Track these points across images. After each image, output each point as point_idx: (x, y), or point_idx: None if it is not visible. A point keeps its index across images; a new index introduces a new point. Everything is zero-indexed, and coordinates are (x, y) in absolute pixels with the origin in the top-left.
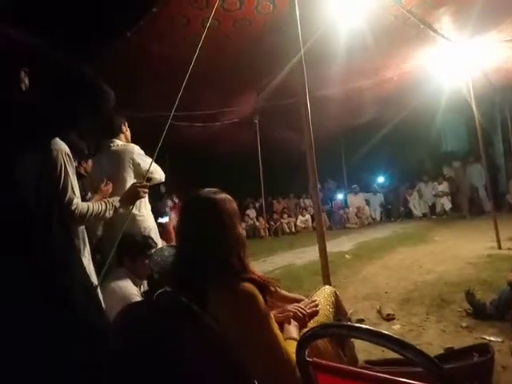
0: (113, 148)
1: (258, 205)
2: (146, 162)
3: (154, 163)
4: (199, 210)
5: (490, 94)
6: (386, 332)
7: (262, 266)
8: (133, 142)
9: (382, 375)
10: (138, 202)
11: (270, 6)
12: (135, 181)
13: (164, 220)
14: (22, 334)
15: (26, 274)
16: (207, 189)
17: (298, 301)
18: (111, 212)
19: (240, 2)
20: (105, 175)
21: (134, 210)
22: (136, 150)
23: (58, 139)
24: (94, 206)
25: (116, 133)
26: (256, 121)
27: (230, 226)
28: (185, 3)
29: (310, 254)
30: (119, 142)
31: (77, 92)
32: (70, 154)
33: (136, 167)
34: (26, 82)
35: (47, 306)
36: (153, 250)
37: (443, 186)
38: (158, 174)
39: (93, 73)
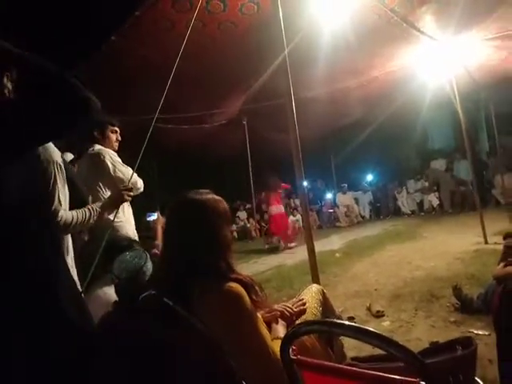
0: (89, 152)
1: (248, 206)
2: (117, 167)
3: (130, 173)
4: (185, 210)
5: (473, 91)
6: (368, 328)
7: (253, 267)
8: (120, 147)
9: (365, 371)
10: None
11: (253, 7)
12: (105, 186)
13: (152, 218)
14: (9, 341)
15: (13, 281)
16: (194, 190)
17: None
18: (95, 218)
19: (224, 5)
20: (82, 180)
21: (111, 216)
22: (108, 155)
23: (50, 148)
24: (78, 214)
25: (93, 139)
26: (244, 122)
27: (216, 227)
28: (168, 7)
29: (300, 254)
30: (96, 147)
31: (63, 102)
32: (61, 164)
33: (107, 172)
34: (9, 86)
35: (35, 312)
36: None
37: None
38: (140, 184)
39: (79, 82)
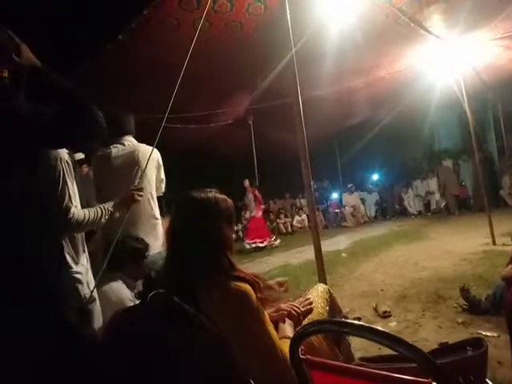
0: (129, 148)
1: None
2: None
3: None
4: (190, 209)
5: (481, 92)
6: (378, 327)
7: (258, 266)
8: None
9: (374, 371)
10: (151, 206)
11: (261, 7)
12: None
13: None
14: (11, 349)
15: (14, 290)
16: (199, 188)
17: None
18: (106, 217)
19: (231, 4)
20: (121, 177)
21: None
22: (158, 153)
23: None
24: (90, 213)
25: (131, 132)
26: (250, 122)
27: (219, 225)
28: (175, 6)
29: (306, 254)
30: (134, 141)
31: (71, 118)
32: (69, 161)
33: (152, 171)
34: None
35: (36, 319)
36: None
37: (434, 184)
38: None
39: (88, 101)
